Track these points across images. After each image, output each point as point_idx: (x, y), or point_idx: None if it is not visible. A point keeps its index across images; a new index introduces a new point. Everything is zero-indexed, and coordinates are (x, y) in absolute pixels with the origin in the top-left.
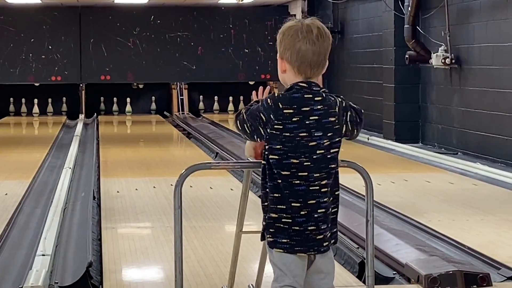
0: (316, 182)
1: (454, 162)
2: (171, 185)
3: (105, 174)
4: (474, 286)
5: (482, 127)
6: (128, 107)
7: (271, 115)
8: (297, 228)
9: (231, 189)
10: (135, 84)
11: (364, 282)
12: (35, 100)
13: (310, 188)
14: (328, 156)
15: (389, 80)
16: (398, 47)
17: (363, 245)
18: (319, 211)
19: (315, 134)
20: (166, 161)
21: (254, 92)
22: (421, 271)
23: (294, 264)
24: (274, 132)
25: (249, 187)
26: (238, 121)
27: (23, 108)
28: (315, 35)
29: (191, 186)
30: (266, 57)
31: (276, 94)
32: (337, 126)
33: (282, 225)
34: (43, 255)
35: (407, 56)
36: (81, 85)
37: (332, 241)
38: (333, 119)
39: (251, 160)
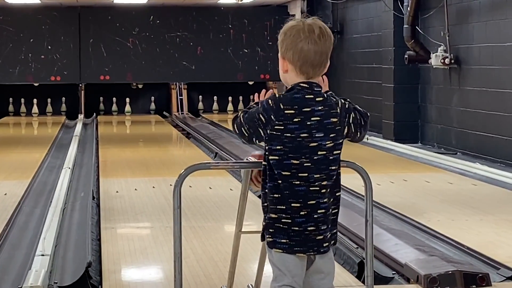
0: (317, 183)
1: (454, 162)
2: (171, 185)
3: (105, 174)
4: (473, 286)
5: (482, 127)
6: (128, 107)
7: (272, 116)
8: (297, 228)
9: (231, 189)
10: (134, 84)
11: (363, 282)
12: (35, 100)
13: (310, 188)
14: (330, 158)
15: (388, 80)
16: (398, 47)
17: (362, 245)
18: (319, 211)
19: (316, 135)
20: (165, 161)
21: (256, 94)
22: (421, 271)
23: (293, 264)
24: (274, 133)
25: (248, 187)
26: (235, 125)
27: (22, 108)
28: (317, 34)
29: (190, 186)
30: (265, 57)
31: (277, 95)
32: (339, 127)
33: (281, 225)
34: (43, 255)
35: (406, 56)
36: (80, 85)
37: (332, 242)
38: (334, 119)
39: (250, 160)
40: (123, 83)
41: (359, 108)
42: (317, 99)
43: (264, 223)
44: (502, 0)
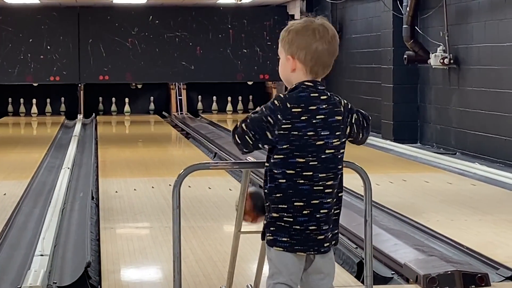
0: (321, 182)
1: (453, 162)
2: (170, 185)
3: (104, 174)
4: (472, 286)
5: (481, 127)
6: (127, 107)
7: (279, 115)
8: (298, 227)
9: (230, 189)
10: (133, 84)
11: (362, 282)
12: (34, 100)
13: (314, 188)
14: (339, 156)
15: (387, 80)
16: (397, 47)
17: (361, 245)
18: (321, 211)
19: (322, 133)
20: (164, 161)
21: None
22: (420, 271)
23: (291, 262)
24: (282, 132)
25: (247, 187)
26: (236, 135)
27: (22, 108)
28: (330, 35)
29: (189, 186)
30: (264, 57)
31: (281, 95)
32: (342, 126)
33: (283, 224)
34: (42, 255)
35: (405, 56)
36: (79, 85)
37: (333, 242)
38: (339, 117)
39: (250, 160)
40: (122, 83)
41: (362, 111)
42: (321, 97)
43: (265, 222)
44: (501, 0)
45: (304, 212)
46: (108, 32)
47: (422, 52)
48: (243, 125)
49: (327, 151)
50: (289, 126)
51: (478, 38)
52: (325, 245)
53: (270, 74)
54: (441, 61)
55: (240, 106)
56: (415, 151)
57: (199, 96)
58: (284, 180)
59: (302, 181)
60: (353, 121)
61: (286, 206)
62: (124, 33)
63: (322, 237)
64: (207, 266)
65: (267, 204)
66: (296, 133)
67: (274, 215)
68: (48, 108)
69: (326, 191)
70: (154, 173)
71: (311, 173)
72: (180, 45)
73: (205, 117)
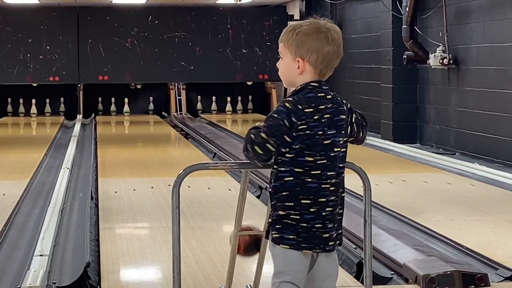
0: (328, 181)
1: (452, 163)
2: (169, 185)
3: (103, 175)
4: (472, 287)
5: (480, 127)
6: (126, 108)
7: (293, 118)
8: (305, 225)
9: (229, 190)
10: (133, 84)
11: (362, 282)
12: (33, 101)
13: (322, 186)
14: (342, 155)
15: (387, 80)
16: (396, 48)
17: (361, 246)
18: (327, 209)
19: (329, 132)
20: (164, 162)
21: None
22: (419, 271)
23: (297, 260)
24: (299, 133)
25: (247, 188)
26: (255, 146)
27: (21, 109)
28: (340, 39)
29: (189, 187)
30: (264, 58)
31: (290, 98)
32: (345, 125)
33: (289, 221)
34: (41, 255)
35: (405, 56)
36: (79, 85)
37: (337, 242)
38: (343, 116)
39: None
40: (121, 84)
41: (359, 111)
42: (327, 96)
43: (270, 220)
44: (501, 0)
45: (311, 209)
46: (108, 32)
47: (422, 52)
48: (262, 134)
49: (335, 149)
50: (305, 126)
51: (477, 39)
52: (330, 243)
53: (270, 74)
54: (441, 61)
55: (239, 106)
56: (414, 151)
57: (199, 96)
58: (292, 178)
59: (310, 180)
60: (353, 120)
61: (292, 204)
62: (124, 33)
63: (327, 235)
64: (206, 266)
65: (273, 202)
66: (309, 132)
67: (281, 213)
68: (48, 108)
69: (331, 189)
70: (153, 173)
71: (319, 171)
72: (179, 45)
73: (204, 117)
